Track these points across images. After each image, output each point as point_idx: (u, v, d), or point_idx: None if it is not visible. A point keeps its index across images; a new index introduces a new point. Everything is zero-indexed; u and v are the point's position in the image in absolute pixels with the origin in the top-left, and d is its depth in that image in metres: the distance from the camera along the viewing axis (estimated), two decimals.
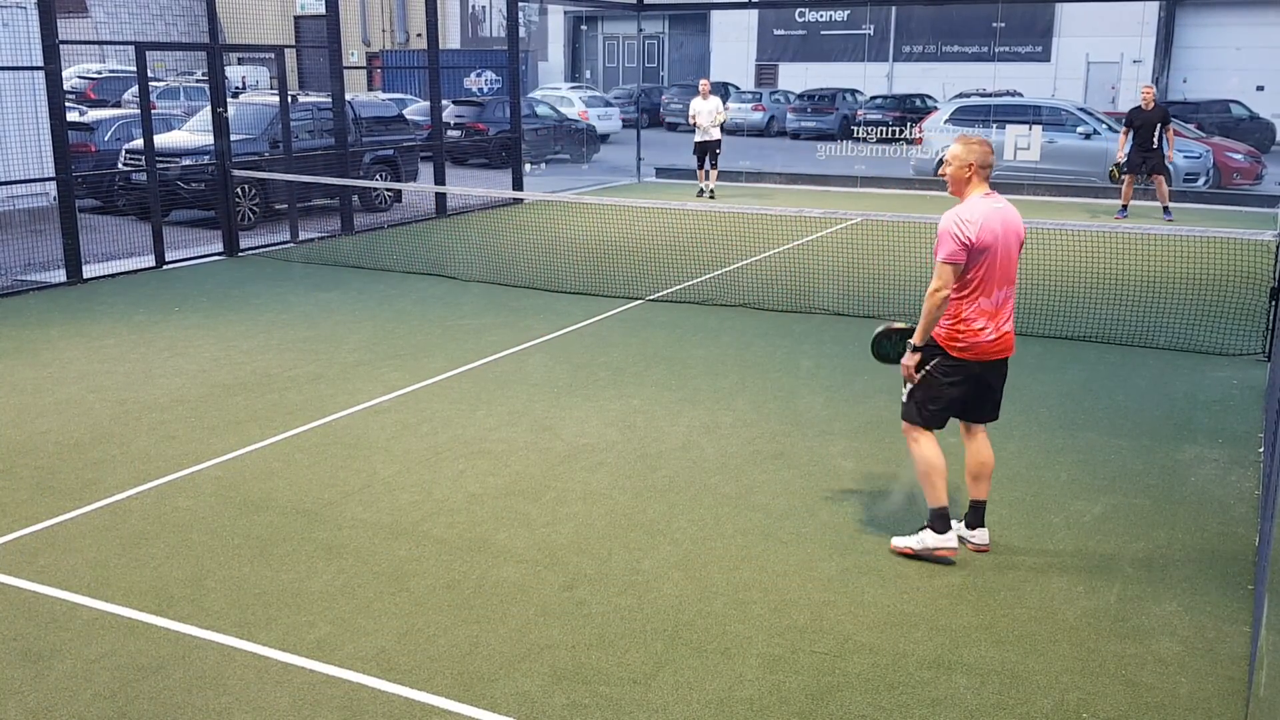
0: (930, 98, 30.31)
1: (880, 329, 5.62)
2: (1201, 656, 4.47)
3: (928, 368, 5.22)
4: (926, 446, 5.23)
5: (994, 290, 5.10)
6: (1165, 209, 16.18)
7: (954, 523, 5.39)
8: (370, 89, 35.62)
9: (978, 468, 5.36)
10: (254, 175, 14.50)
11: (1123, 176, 16.33)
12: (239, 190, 14.27)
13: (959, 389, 5.19)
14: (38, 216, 13.54)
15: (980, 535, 5.41)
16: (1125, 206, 16.59)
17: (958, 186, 5.21)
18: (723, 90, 37.05)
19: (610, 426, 7.15)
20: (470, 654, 4.45)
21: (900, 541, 5.34)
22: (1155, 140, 15.93)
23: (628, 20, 42.77)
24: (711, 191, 18.87)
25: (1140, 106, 16.14)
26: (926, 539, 5.25)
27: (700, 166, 19.05)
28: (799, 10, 38.83)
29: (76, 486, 6.12)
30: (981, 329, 5.11)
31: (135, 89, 14.70)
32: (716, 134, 18.71)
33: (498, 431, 7.05)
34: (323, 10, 15.40)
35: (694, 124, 18.74)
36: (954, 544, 5.25)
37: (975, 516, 5.41)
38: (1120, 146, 16.44)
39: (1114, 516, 5.80)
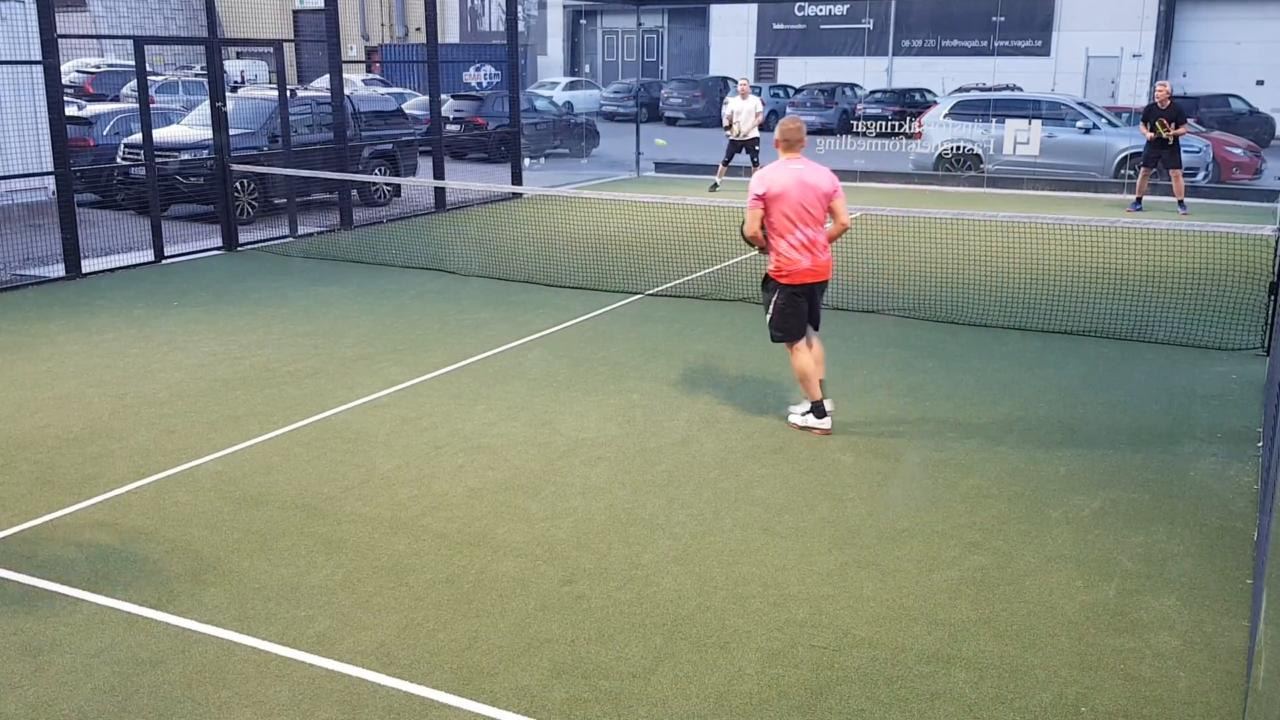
0: (930, 92, 30.29)
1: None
2: (1200, 651, 4.47)
3: (776, 300, 6.84)
4: (799, 357, 6.86)
5: (797, 229, 6.68)
6: (1180, 202, 16.23)
7: (828, 403, 6.92)
8: (368, 83, 35.54)
9: (817, 357, 6.92)
10: (253, 170, 14.50)
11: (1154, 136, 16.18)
12: (238, 185, 14.25)
13: (801, 307, 6.83)
14: (36, 211, 13.54)
15: (820, 419, 6.91)
16: (1139, 200, 16.62)
17: (780, 153, 6.87)
18: (722, 85, 37.06)
19: (609, 421, 7.15)
20: (470, 648, 4.45)
21: (793, 418, 7.02)
22: (1169, 139, 15.97)
23: (627, 14, 42.72)
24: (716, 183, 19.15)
25: (1156, 104, 16.15)
26: (809, 420, 6.92)
27: (727, 161, 19.06)
28: (798, 4, 38.80)
29: (76, 481, 6.12)
30: (798, 259, 6.71)
31: (134, 83, 14.67)
32: (755, 133, 18.80)
33: (497, 426, 7.05)
34: (321, 4, 15.37)
35: (728, 126, 18.69)
36: (828, 426, 6.85)
37: (817, 402, 6.91)
38: (1143, 131, 16.47)
39: (1113, 511, 5.81)
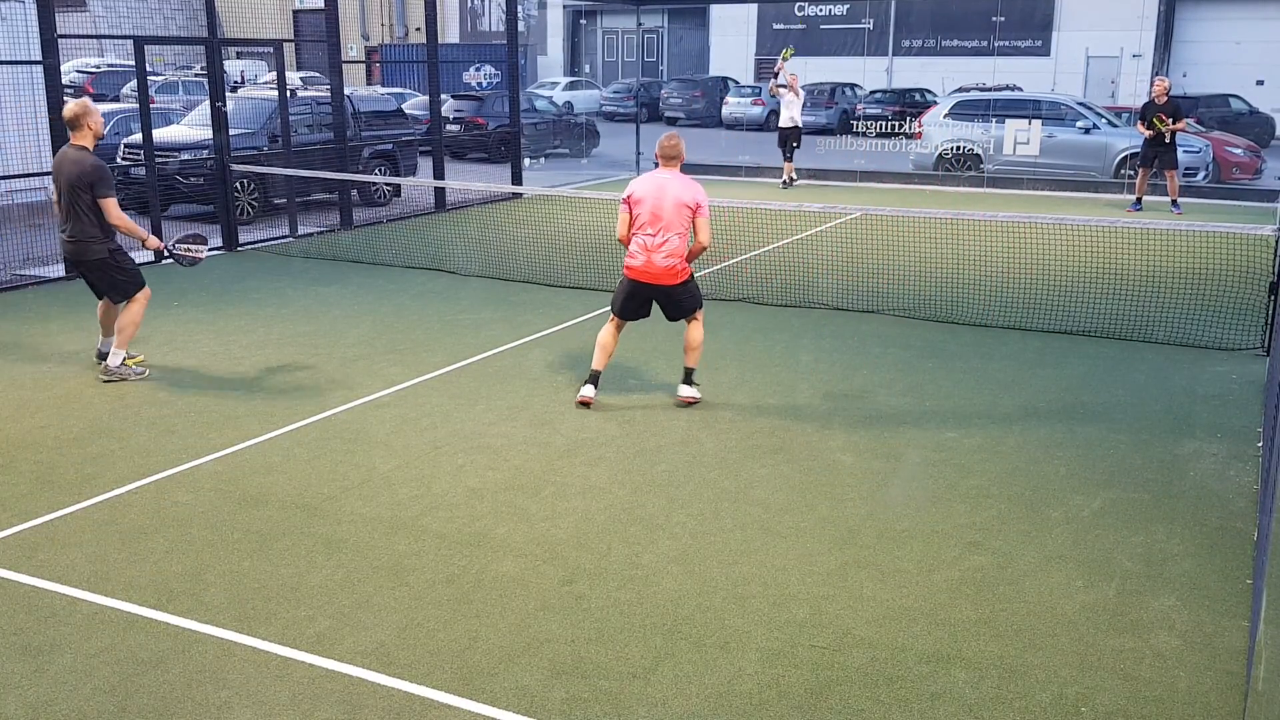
0: (930, 92, 30.29)
1: None
2: (1200, 651, 4.47)
3: (620, 281, 7.46)
4: (605, 329, 7.53)
5: (644, 231, 7.18)
6: (1174, 202, 16.23)
7: (682, 383, 7.53)
8: (369, 83, 35.57)
9: (686, 343, 7.51)
10: (253, 170, 14.49)
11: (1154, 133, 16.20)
12: (238, 185, 14.25)
13: (628, 296, 7.43)
14: (36, 211, 13.52)
15: (686, 390, 7.50)
16: (1139, 200, 16.63)
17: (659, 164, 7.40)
18: (722, 85, 37.06)
19: (609, 421, 7.15)
20: (469, 648, 4.45)
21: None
22: (1167, 135, 15.97)
23: (627, 14, 42.73)
24: (791, 179, 19.50)
25: (1153, 100, 16.16)
26: (583, 388, 7.44)
27: (789, 157, 19.47)
28: (798, 4, 38.81)
29: (76, 481, 6.12)
30: (635, 254, 7.25)
31: (134, 83, 14.67)
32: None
33: (497, 426, 7.05)
34: (321, 4, 15.37)
35: (782, 85, 19.14)
36: (588, 395, 7.36)
37: (685, 377, 7.55)
38: (1140, 129, 16.52)
39: (1113, 511, 5.81)
